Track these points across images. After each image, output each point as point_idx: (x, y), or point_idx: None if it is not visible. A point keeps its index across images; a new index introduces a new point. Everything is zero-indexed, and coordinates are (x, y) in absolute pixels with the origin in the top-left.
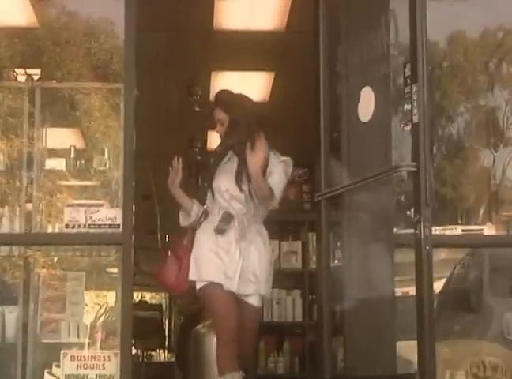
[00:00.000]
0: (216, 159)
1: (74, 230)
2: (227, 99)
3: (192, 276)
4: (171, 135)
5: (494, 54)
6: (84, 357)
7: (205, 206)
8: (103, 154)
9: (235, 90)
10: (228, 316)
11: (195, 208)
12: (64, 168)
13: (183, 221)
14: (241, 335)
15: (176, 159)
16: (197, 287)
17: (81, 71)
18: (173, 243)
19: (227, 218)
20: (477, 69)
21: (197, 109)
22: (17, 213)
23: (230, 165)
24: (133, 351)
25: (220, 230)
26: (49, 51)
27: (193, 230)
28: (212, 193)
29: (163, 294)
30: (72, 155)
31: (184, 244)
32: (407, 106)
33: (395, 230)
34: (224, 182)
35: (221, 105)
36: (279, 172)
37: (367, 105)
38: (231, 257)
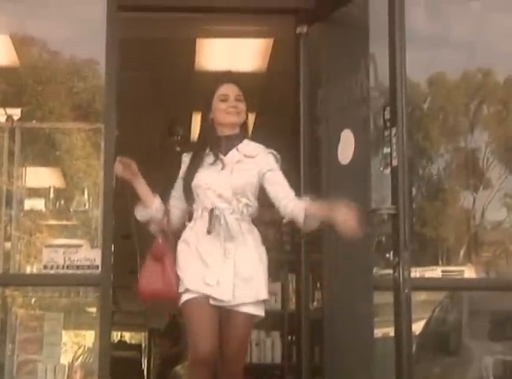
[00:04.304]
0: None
1: (53, 271)
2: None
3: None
4: (152, 174)
5: (474, 96)
6: None
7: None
8: (84, 193)
9: None
10: (203, 338)
11: (157, 204)
12: (43, 208)
13: (140, 215)
14: (229, 348)
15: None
16: (181, 301)
17: (63, 110)
18: (148, 246)
19: (214, 218)
20: (458, 111)
21: (178, 149)
22: None
23: (209, 159)
24: None
25: (208, 232)
26: (30, 90)
27: (163, 233)
28: (191, 194)
29: (142, 334)
30: (51, 194)
31: (160, 242)
32: (386, 150)
33: (375, 270)
34: (206, 179)
35: (235, 81)
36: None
37: (346, 147)
38: (217, 261)
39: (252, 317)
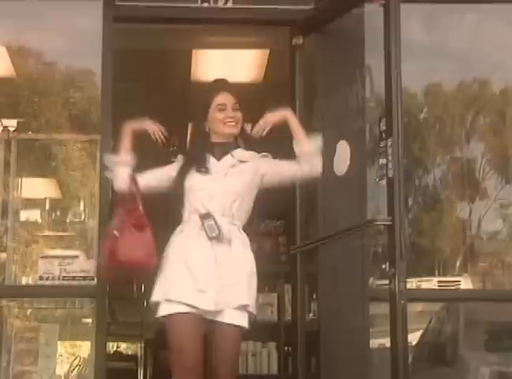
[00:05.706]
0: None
1: (48, 282)
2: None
3: (157, 296)
4: None
5: (470, 107)
6: None
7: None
8: (80, 204)
9: None
10: (187, 355)
11: (127, 157)
12: (39, 218)
13: (108, 159)
14: (218, 361)
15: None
16: (162, 312)
17: (59, 121)
18: (125, 211)
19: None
20: (454, 122)
21: (173, 160)
22: None
23: (202, 165)
24: None
25: (215, 237)
26: (26, 101)
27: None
28: (181, 195)
29: (138, 345)
30: (47, 205)
31: (142, 211)
32: (382, 161)
33: (371, 281)
34: (198, 181)
35: (231, 90)
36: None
37: (342, 158)
38: (203, 267)
39: (236, 327)
